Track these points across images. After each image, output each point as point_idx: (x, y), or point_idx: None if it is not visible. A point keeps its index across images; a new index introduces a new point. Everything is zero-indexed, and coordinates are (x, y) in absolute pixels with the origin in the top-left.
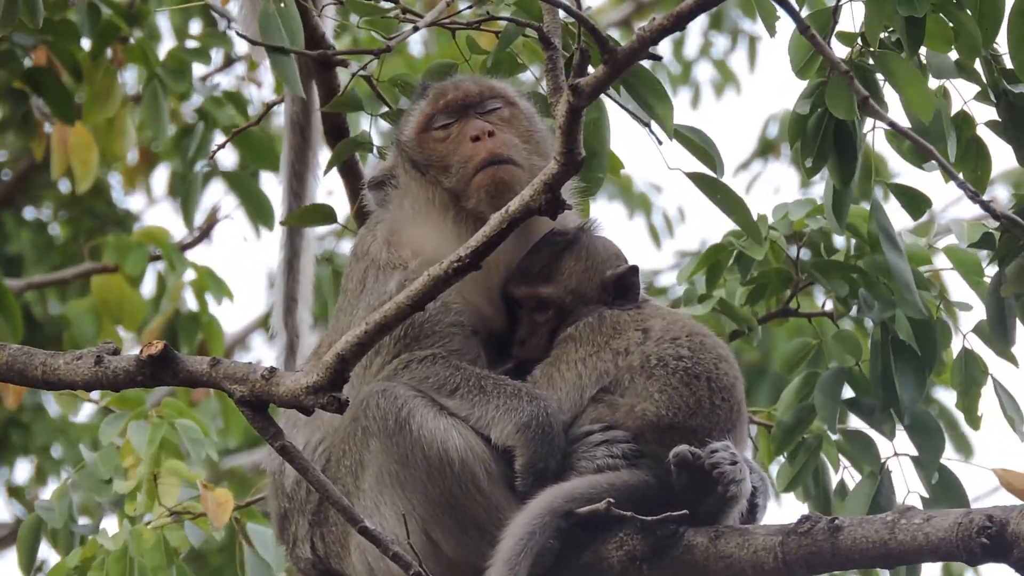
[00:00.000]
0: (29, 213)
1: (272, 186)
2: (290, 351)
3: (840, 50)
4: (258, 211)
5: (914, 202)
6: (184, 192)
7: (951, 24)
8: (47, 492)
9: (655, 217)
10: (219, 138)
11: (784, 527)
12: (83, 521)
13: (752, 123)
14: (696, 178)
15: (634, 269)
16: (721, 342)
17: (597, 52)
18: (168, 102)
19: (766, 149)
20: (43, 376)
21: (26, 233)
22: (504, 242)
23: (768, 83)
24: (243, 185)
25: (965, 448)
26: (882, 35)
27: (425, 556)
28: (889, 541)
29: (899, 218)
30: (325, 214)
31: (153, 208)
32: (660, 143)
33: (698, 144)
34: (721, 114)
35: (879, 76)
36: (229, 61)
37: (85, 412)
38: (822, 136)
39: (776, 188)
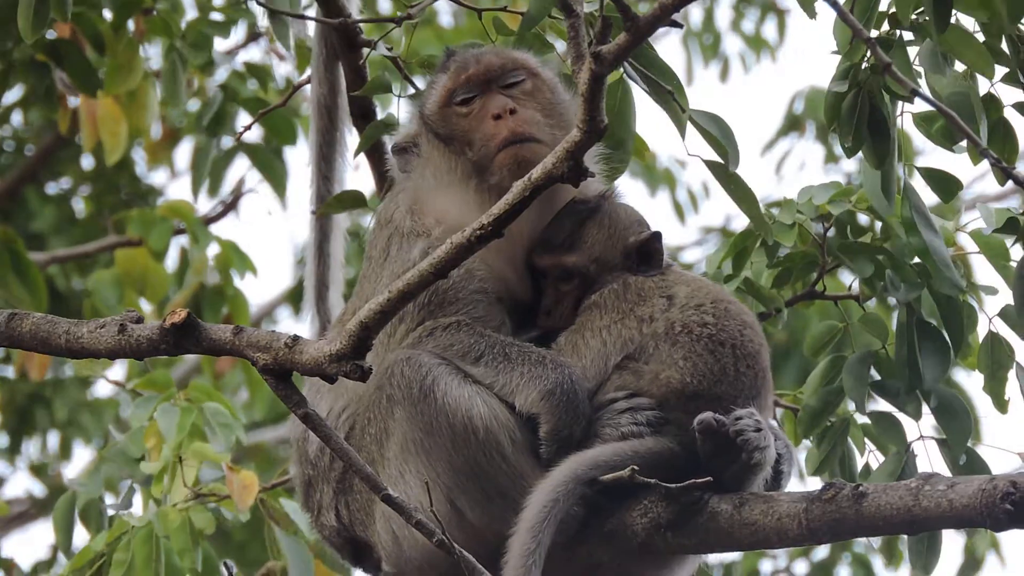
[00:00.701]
0: (51, 188)
1: (295, 161)
2: (323, 336)
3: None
4: (280, 188)
5: (945, 185)
6: (205, 164)
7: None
8: (69, 468)
9: (680, 193)
10: (242, 113)
11: (809, 494)
12: (110, 500)
13: (780, 95)
14: (712, 166)
15: (657, 235)
16: (746, 309)
17: (620, 20)
18: (186, 74)
19: (792, 126)
20: (66, 344)
21: (49, 208)
22: (527, 210)
23: (797, 57)
24: (266, 162)
25: (973, 434)
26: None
27: (449, 524)
28: (913, 507)
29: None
30: (355, 199)
31: (175, 182)
32: (683, 130)
33: (715, 136)
34: (750, 87)
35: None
36: (253, 36)
37: (107, 387)
38: (857, 117)
39: (801, 164)
